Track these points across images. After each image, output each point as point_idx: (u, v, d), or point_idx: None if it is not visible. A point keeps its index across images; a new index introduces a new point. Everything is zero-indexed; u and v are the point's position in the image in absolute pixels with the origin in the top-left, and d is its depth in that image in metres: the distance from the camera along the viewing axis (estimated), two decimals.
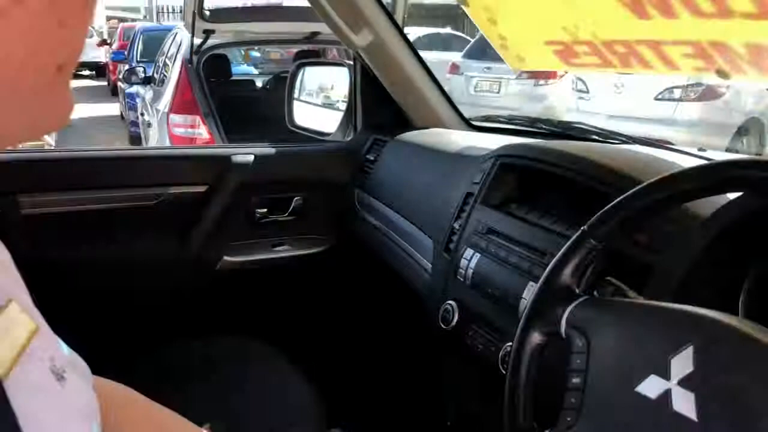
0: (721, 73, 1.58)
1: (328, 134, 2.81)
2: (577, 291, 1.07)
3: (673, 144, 2.00)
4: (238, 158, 2.42)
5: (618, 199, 1.06)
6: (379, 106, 2.60)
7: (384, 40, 2.35)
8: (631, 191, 1.04)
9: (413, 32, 14.19)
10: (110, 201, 2.29)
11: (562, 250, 1.09)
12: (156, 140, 6.41)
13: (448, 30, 15.36)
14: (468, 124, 2.61)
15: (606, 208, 1.07)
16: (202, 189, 2.38)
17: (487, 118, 2.67)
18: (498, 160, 1.77)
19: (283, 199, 2.52)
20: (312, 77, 3.41)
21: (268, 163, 2.49)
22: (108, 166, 2.33)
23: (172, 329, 2.22)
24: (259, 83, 7.96)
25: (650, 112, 8.27)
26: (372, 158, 2.49)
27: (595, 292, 1.10)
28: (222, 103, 5.72)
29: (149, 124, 6.96)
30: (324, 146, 2.69)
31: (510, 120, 2.53)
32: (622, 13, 1.65)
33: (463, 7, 2.11)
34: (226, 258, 2.45)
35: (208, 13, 5.70)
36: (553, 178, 1.59)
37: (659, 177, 1.02)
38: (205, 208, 2.39)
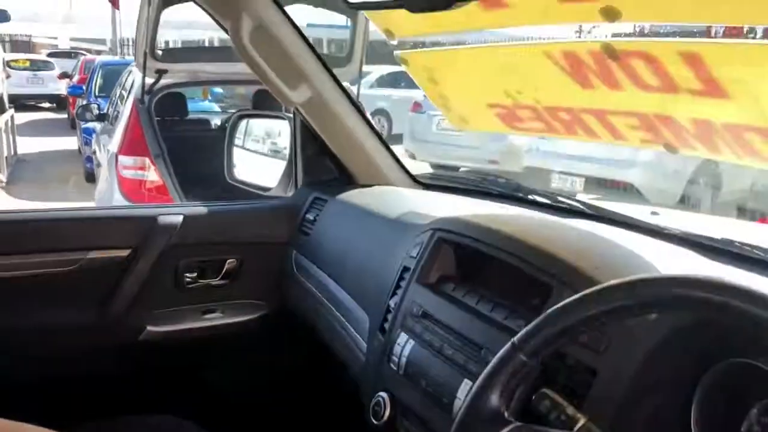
0: (669, 147, 1.47)
1: (269, 189, 2.66)
2: (506, 415, 0.94)
3: (634, 186, 1.90)
4: (166, 219, 2.25)
5: (548, 311, 0.94)
6: (320, 162, 2.47)
7: (323, 95, 2.23)
8: (562, 304, 0.93)
9: (376, 70, 14.21)
10: (26, 267, 2.11)
11: (489, 369, 0.96)
12: (105, 180, 6.19)
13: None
14: (415, 181, 2.49)
15: (536, 321, 0.95)
16: (125, 253, 2.20)
17: (436, 175, 2.56)
18: (435, 234, 1.63)
19: (215, 261, 2.36)
20: (259, 123, 3.28)
21: (199, 224, 2.32)
22: (23, 230, 2.15)
23: (90, 406, 2.03)
24: (218, 121, 7.79)
25: (610, 153, 8.30)
26: (311, 218, 2.35)
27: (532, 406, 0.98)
28: (176, 143, 5.53)
29: (98, 164, 6.75)
30: (260, 204, 2.54)
31: (460, 178, 2.43)
32: (565, 81, 1.54)
33: (403, 65, 2.00)
34: (150, 328, 2.26)
35: (160, 52, 5.54)
36: (492, 259, 1.46)
37: (594, 290, 0.90)
38: (128, 274, 2.21)
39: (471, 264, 1.57)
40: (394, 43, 1.94)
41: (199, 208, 2.37)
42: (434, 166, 11.35)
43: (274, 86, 2.14)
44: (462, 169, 10.58)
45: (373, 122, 2.41)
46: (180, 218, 2.28)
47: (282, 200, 2.52)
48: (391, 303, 1.68)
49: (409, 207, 1.94)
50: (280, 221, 2.44)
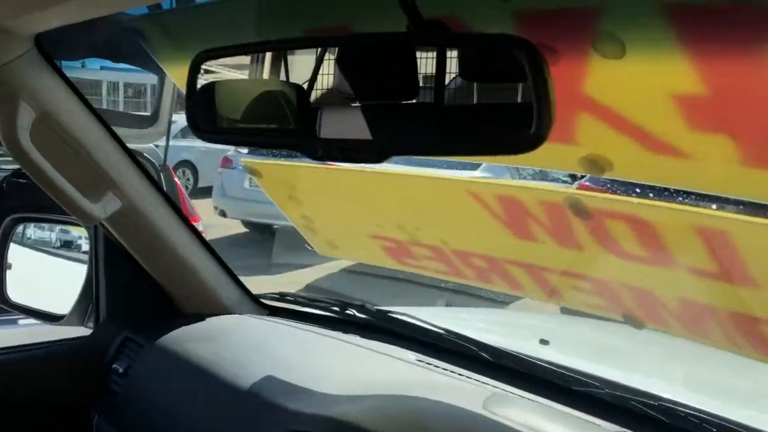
0: (632, 320, 1.12)
1: (59, 317, 1.99)
2: None
3: None
4: None
5: None
6: (131, 286, 1.88)
7: (136, 204, 1.68)
8: None
9: (180, 120, 13.36)
10: None
11: None
12: None
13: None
14: (258, 304, 1.99)
15: None
16: None
17: (284, 296, 2.06)
18: None
19: None
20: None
21: None
22: None
23: None
24: None
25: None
26: (121, 369, 1.75)
27: None
28: None
29: None
30: (44, 349, 1.87)
31: (315, 301, 1.96)
32: (492, 227, 1.15)
33: (254, 178, 1.50)
34: None
35: None
36: None
37: None
38: None
39: None
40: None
41: None
42: (247, 223, 10.84)
43: (67, 201, 1.54)
44: (275, 226, 10.24)
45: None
46: None
47: (76, 342, 1.88)
48: None
49: (259, 361, 1.61)
50: (75, 372, 1.80)
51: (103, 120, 1.64)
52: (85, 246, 2.22)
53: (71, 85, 1.56)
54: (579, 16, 0.72)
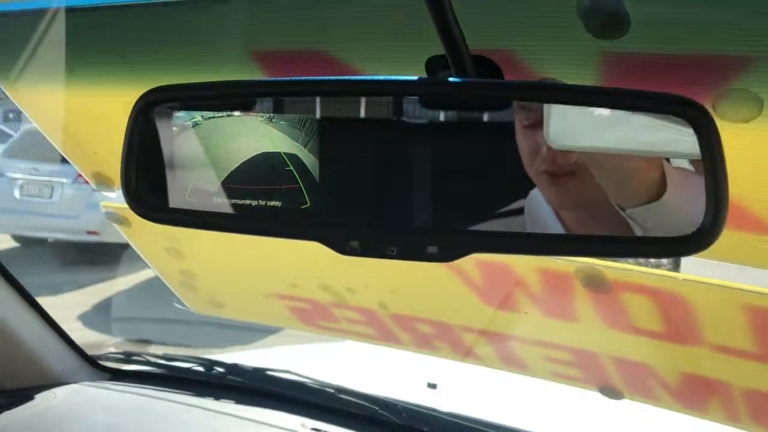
0: (609, 392, 1.01)
1: None
2: None
3: None
4: None
5: None
6: None
7: None
8: None
9: None
10: None
11: None
12: None
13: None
14: (97, 368, 1.69)
15: None
16: None
17: (128, 356, 1.72)
18: None
19: None
20: None
21: None
22: None
23: None
24: None
25: None
26: None
27: None
28: None
29: None
30: None
31: (171, 360, 1.67)
32: (458, 294, 0.96)
33: (118, 227, 1.17)
34: None
35: None
36: None
37: None
38: None
39: None
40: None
41: None
42: (18, 238, 9.71)
43: None
44: (50, 240, 9.30)
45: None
46: None
47: None
48: None
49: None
50: None
51: None
52: None
53: None
54: (710, 65, 0.57)
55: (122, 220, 1.14)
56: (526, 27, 0.59)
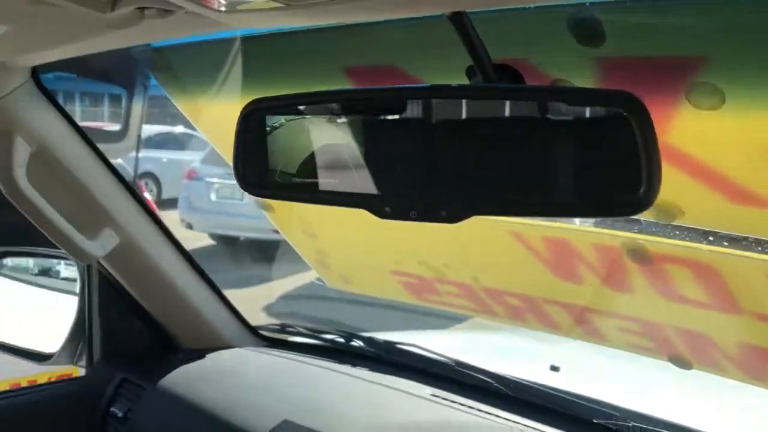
0: (679, 361, 1.09)
1: (48, 356, 1.87)
2: None
3: None
4: None
5: None
6: (127, 324, 1.79)
7: (134, 240, 1.59)
8: None
9: (143, 130, 13.08)
10: None
11: None
12: None
13: (181, 128, 14.48)
14: (257, 336, 1.92)
15: None
16: None
17: (283, 328, 1.99)
18: None
19: None
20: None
21: None
22: None
23: None
24: None
25: None
26: (120, 414, 1.66)
27: None
28: None
29: None
30: (34, 394, 1.77)
31: (317, 332, 1.90)
32: (534, 268, 1.10)
33: (266, 213, 1.43)
34: None
35: None
36: None
37: None
38: None
39: None
40: None
41: None
42: (213, 236, 10.70)
43: (64, 239, 1.45)
44: (242, 238, 10.13)
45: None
46: None
47: (70, 385, 1.77)
48: None
49: (261, 402, 1.57)
50: (71, 416, 1.70)
51: (101, 152, 1.56)
52: (66, 272, 2.11)
53: (68, 117, 1.47)
54: (680, 64, 0.68)
55: (267, 207, 1.39)
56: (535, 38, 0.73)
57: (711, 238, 0.88)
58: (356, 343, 1.85)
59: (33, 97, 1.37)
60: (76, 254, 1.51)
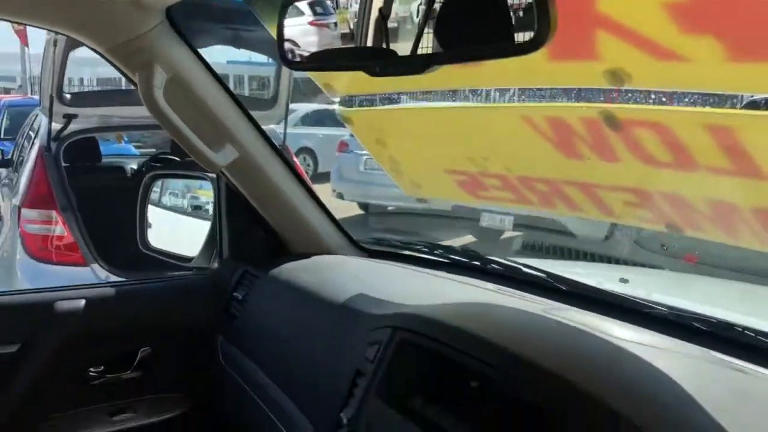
0: (672, 228, 1.24)
1: (189, 259, 2.31)
2: None
3: None
4: (64, 306, 1.88)
5: None
6: (249, 229, 2.14)
7: (251, 155, 1.92)
8: None
9: (300, 108, 13.93)
10: None
11: None
12: (7, 237, 5.59)
13: (336, 105, 15.17)
14: (358, 248, 2.20)
15: None
16: (11, 349, 1.81)
17: (381, 241, 2.26)
18: (396, 334, 1.35)
19: (125, 352, 1.99)
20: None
21: (105, 308, 1.96)
22: None
23: None
24: (135, 165, 7.23)
25: None
26: (240, 297, 2.02)
27: None
28: (87, 193, 5.03)
29: (1, 218, 6.12)
30: (178, 280, 2.19)
31: (407, 244, 2.14)
32: (546, 149, 1.30)
33: (346, 125, 1.72)
34: None
35: (69, 96, 5.09)
36: (465, 368, 1.19)
37: None
38: (16, 373, 1.82)
39: (440, 370, 1.29)
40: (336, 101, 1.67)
41: (103, 289, 2.01)
42: (362, 205, 11.16)
43: (193, 149, 1.81)
44: (390, 207, 10.45)
45: (300, 165, 2.11)
46: (81, 303, 1.91)
47: (204, 275, 2.18)
48: (344, 416, 1.38)
49: (356, 286, 1.70)
50: (203, 300, 2.10)
51: (224, 83, 1.91)
52: (211, 210, 2.55)
53: (197, 53, 1.83)
54: None
55: (348, 120, 1.68)
56: None
57: (653, 98, 1.00)
58: (438, 251, 2.06)
59: (168, 35, 1.73)
60: (204, 162, 1.88)
